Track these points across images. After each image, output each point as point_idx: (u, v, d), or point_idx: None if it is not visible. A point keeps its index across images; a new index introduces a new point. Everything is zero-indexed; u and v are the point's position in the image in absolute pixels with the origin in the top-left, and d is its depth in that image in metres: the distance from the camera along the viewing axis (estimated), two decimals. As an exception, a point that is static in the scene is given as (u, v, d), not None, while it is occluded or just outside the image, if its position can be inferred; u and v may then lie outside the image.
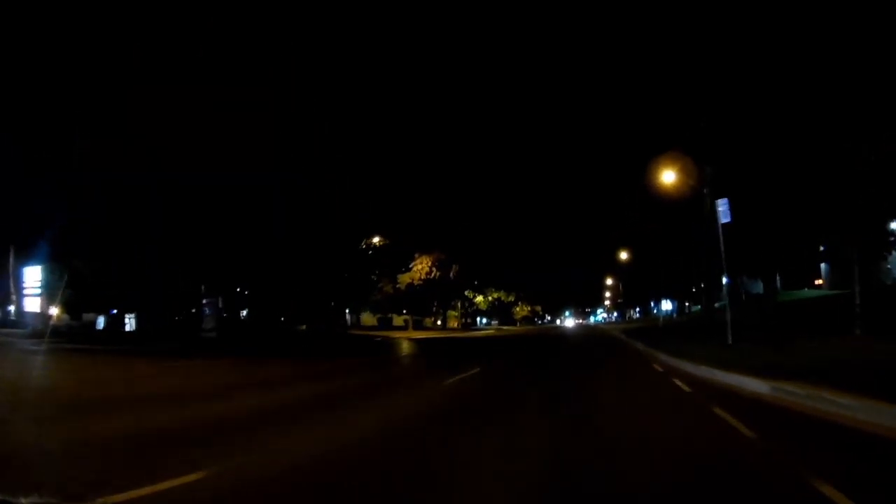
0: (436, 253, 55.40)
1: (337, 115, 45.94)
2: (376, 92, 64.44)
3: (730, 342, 16.02)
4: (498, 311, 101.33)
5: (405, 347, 27.94)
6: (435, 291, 54.00)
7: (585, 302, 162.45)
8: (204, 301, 37.40)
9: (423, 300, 54.70)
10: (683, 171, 42.48)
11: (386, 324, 68.41)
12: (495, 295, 77.11)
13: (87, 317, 42.81)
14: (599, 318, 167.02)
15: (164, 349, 24.66)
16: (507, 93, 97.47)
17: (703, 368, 11.57)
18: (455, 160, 79.42)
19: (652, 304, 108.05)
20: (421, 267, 55.64)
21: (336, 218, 39.62)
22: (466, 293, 71.78)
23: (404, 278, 53.21)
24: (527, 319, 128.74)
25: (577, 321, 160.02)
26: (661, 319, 27.42)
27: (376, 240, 43.86)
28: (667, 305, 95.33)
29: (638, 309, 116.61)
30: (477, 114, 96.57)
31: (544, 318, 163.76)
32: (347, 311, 73.94)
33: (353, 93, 56.54)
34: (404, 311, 69.43)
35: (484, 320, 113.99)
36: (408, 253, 53.18)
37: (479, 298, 75.99)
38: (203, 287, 35.28)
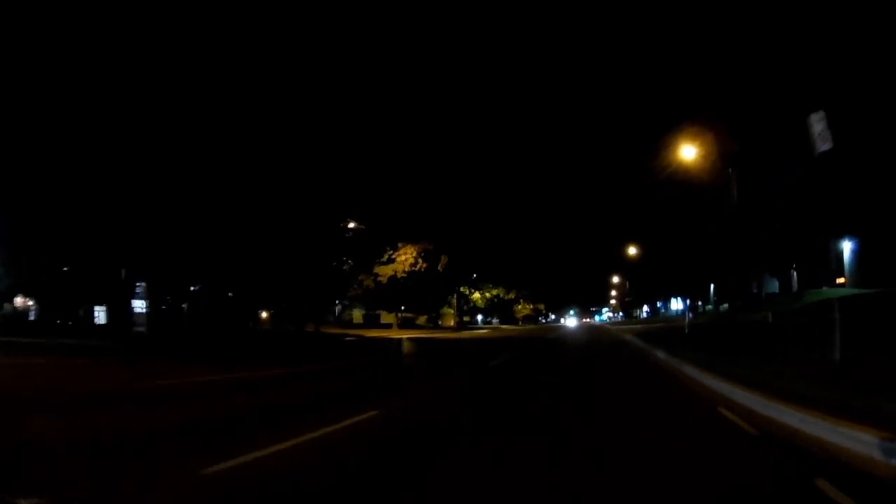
0: (422, 243, 50.42)
1: (315, 87, 40.66)
2: (361, 64, 58.91)
3: (837, 357, 9.53)
4: (498, 309, 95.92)
5: (354, 353, 22.56)
6: (422, 285, 48.63)
7: (590, 300, 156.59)
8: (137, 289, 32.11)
9: (410, 295, 49.35)
10: (704, 148, 36.85)
11: (372, 321, 63.10)
12: (493, 292, 71.50)
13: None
14: (604, 317, 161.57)
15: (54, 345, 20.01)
16: (503, 66, 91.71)
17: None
18: (445, 141, 73.67)
19: (659, 303, 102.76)
20: (405, 258, 49.61)
21: (304, 195, 34.20)
22: (462, 289, 66.28)
23: (386, 270, 48.10)
24: (529, 318, 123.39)
25: (581, 320, 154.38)
26: (687, 320, 21.83)
27: (352, 225, 38.52)
28: (676, 304, 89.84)
29: (646, 308, 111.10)
30: (470, 91, 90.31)
31: (548, 316, 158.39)
32: (337, 305, 68.96)
33: (336, 64, 51.04)
34: (402, 308, 64.56)
35: (484, 319, 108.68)
36: (390, 242, 47.94)
37: (476, 295, 70.26)
38: (124, 271, 29.65)
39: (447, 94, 77.26)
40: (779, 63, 33.44)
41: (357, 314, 74.98)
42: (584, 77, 77.84)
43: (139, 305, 29.63)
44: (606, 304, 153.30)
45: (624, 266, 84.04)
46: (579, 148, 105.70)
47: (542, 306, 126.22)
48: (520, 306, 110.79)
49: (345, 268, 39.37)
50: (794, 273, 51.13)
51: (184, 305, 35.48)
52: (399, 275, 48.07)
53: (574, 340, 25.88)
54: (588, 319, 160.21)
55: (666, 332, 25.07)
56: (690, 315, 55.59)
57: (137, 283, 28.32)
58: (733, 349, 13.10)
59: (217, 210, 31.02)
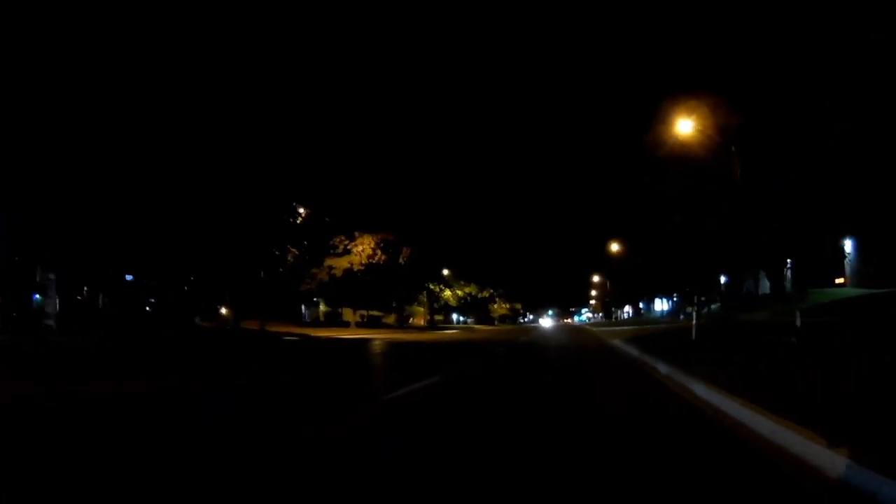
0: (381, 233, 45.43)
1: (266, 58, 35.40)
2: (322, 35, 53.56)
3: None
4: (473, 308, 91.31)
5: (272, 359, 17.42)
6: (381, 280, 43.59)
7: (570, 301, 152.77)
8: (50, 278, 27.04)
9: (368, 290, 44.22)
10: (702, 122, 32.41)
11: (333, 319, 57.89)
12: (466, 290, 66.60)
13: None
14: (584, 317, 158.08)
15: None
16: (480, 46, 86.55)
17: None
18: (411, 125, 68.63)
19: (642, 304, 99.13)
20: (361, 248, 43.90)
21: (242, 174, 29.03)
22: (432, 286, 61.37)
23: (340, 262, 42.68)
24: (506, 318, 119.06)
25: (560, 321, 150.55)
26: (694, 321, 16.78)
27: (301, 211, 33.50)
28: (661, 305, 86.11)
29: (627, 309, 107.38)
30: (442, 73, 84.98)
31: (526, 316, 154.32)
32: (316, 302, 63.81)
33: (294, 35, 45.75)
34: (361, 305, 59.37)
35: (460, 318, 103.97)
36: (346, 231, 42.80)
37: (448, 293, 65.29)
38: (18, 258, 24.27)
39: (416, 73, 72.22)
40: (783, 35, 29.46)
41: (324, 311, 69.73)
42: (563, 56, 73.45)
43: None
44: (586, 304, 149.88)
45: (606, 264, 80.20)
46: (560, 138, 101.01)
47: (519, 306, 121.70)
48: (496, 305, 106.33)
49: (289, 258, 34.21)
50: (789, 272, 47.49)
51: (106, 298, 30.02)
52: (355, 267, 42.74)
53: (548, 346, 20.90)
54: (568, 320, 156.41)
55: (661, 336, 20.40)
56: (684, 315, 51.27)
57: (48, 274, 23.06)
58: (779, 362, 8.58)
59: (133, 186, 25.76)
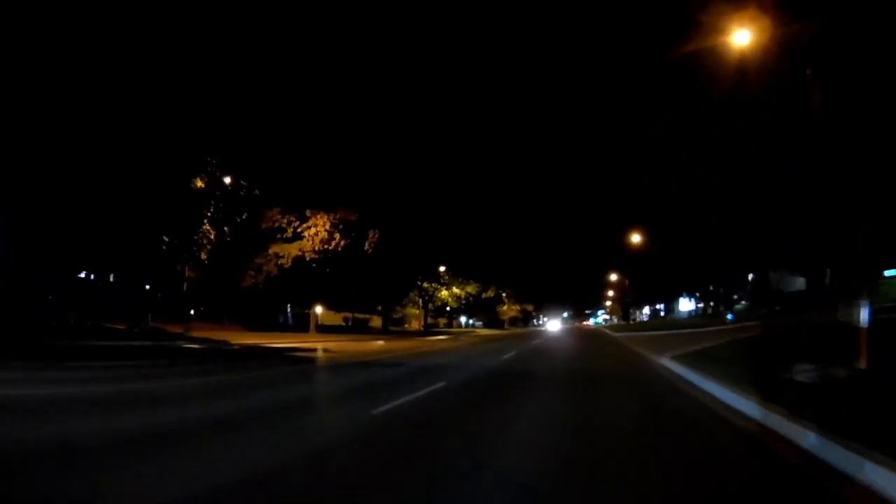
0: (340, 211, 35.49)
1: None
2: None
3: None
4: (480, 310, 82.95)
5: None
6: (343, 272, 35.23)
7: (585, 302, 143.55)
8: None
9: (326, 285, 35.65)
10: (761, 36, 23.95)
11: (300, 322, 50.01)
12: (467, 289, 58.23)
13: None
14: (600, 319, 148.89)
15: None
16: (479, 23, 78.27)
17: None
18: (390, 83, 60.05)
19: (661, 304, 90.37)
20: (314, 231, 34.03)
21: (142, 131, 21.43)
22: (425, 285, 53.24)
23: (289, 249, 33.52)
24: (517, 320, 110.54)
25: (571, 324, 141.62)
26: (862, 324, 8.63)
27: (228, 181, 25.81)
28: (686, 305, 77.40)
29: (647, 310, 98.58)
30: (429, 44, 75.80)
31: (539, 318, 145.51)
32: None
33: None
34: (376, 307, 50.63)
35: (469, 321, 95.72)
36: (296, 211, 34.28)
37: (444, 293, 56.68)
38: None
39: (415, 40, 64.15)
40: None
41: (329, 314, 62.05)
42: (581, 40, 65.44)
43: None
44: (602, 306, 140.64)
45: (624, 261, 71.66)
46: (574, 122, 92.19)
47: (530, 307, 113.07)
48: (505, 307, 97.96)
49: (199, 238, 26.33)
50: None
51: None
52: (307, 255, 34.17)
53: (544, 374, 13.08)
54: (587, 322, 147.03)
55: (744, 348, 12.57)
56: (733, 315, 43.18)
57: None
58: None
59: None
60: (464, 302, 61.36)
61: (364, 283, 36.62)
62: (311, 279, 33.78)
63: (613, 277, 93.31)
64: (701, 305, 69.38)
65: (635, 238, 54.62)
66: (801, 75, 20.06)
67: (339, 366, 16.14)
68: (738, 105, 24.86)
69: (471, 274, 59.72)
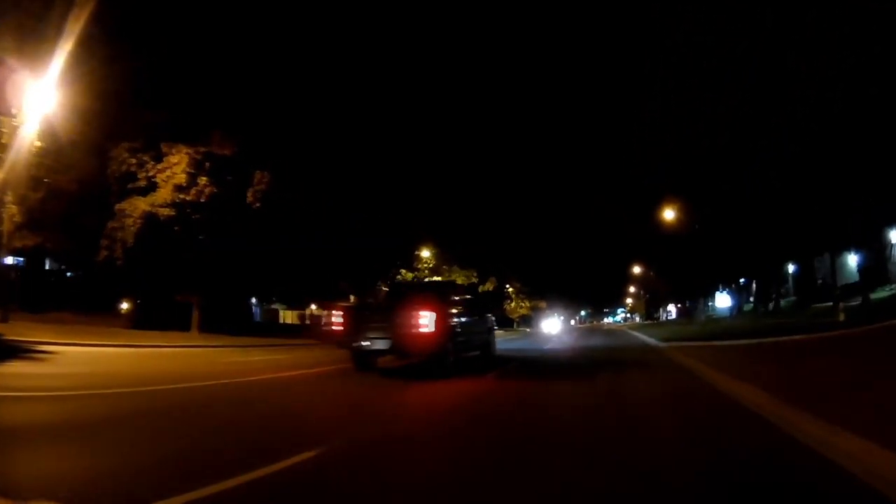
0: (215, 140, 23.65)
1: None
2: None
3: None
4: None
5: None
6: (227, 235, 23.22)
7: (603, 299, 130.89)
8: None
9: (204, 262, 23.50)
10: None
11: (272, 319, 39.11)
12: (457, 278, 46.72)
13: None
14: (619, 318, 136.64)
15: None
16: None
17: None
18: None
19: (687, 301, 77.72)
20: (169, 174, 22.85)
21: None
22: (403, 273, 41.87)
23: (137, 205, 22.60)
24: (528, 319, 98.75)
25: (585, 322, 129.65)
26: None
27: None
28: (724, 300, 65.33)
29: (675, 305, 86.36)
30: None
31: (554, 316, 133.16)
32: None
33: None
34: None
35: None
36: (150, 149, 23.13)
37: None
38: None
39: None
40: None
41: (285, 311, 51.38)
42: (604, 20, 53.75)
43: None
44: (621, 303, 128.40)
45: (652, 248, 60.08)
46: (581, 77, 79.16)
47: (543, 304, 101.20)
48: (513, 304, 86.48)
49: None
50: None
51: None
52: (161, 212, 22.65)
53: None
54: (607, 320, 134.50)
55: None
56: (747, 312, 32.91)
57: None
58: None
59: None
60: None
61: (258, 259, 24.57)
62: (154, 246, 22.06)
63: (637, 269, 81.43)
64: (736, 300, 57.58)
65: (668, 214, 42.89)
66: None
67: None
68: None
69: (465, 261, 48.56)
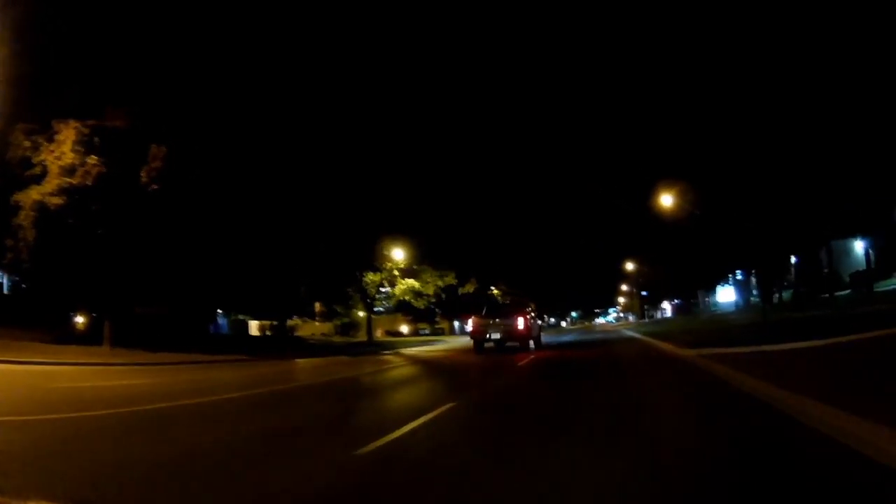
0: (108, 109, 19.12)
1: None
2: None
3: None
4: (463, 311, 65.93)
5: None
6: (116, 227, 18.27)
7: (594, 299, 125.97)
8: None
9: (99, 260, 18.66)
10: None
11: (240, 331, 33.88)
12: (432, 280, 40.91)
13: None
14: (611, 317, 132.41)
15: None
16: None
17: None
18: None
19: (679, 298, 72.86)
20: (58, 154, 18.16)
21: None
22: (370, 277, 36.19)
23: (28, 195, 18.05)
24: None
25: (560, 323, 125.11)
26: None
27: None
28: (727, 295, 60.75)
29: (671, 303, 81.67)
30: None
31: (544, 319, 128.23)
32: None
33: None
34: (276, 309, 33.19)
35: (463, 325, 78.43)
36: (38, 122, 18.03)
37: (401, 286, 38.71)
38: None
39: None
40: None
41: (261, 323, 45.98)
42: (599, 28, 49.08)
43: None
44: (614, 302, 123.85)
45: (645, 244, 55.48)
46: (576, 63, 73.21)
47: (531, 305, 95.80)
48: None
49: None
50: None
51: None
52: (50, 201, 17.99)
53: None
54: (601, 321, 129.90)
55: None
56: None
57: None
58: None
59: None
60: (433, 300, 44.76)
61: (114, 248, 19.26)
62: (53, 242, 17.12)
63: (630, 266, 76.65)
64: (742, 294, 52.99)
65: (666, 200, 38.15)
66: None
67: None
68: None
69: (442, 262, 43.41)
